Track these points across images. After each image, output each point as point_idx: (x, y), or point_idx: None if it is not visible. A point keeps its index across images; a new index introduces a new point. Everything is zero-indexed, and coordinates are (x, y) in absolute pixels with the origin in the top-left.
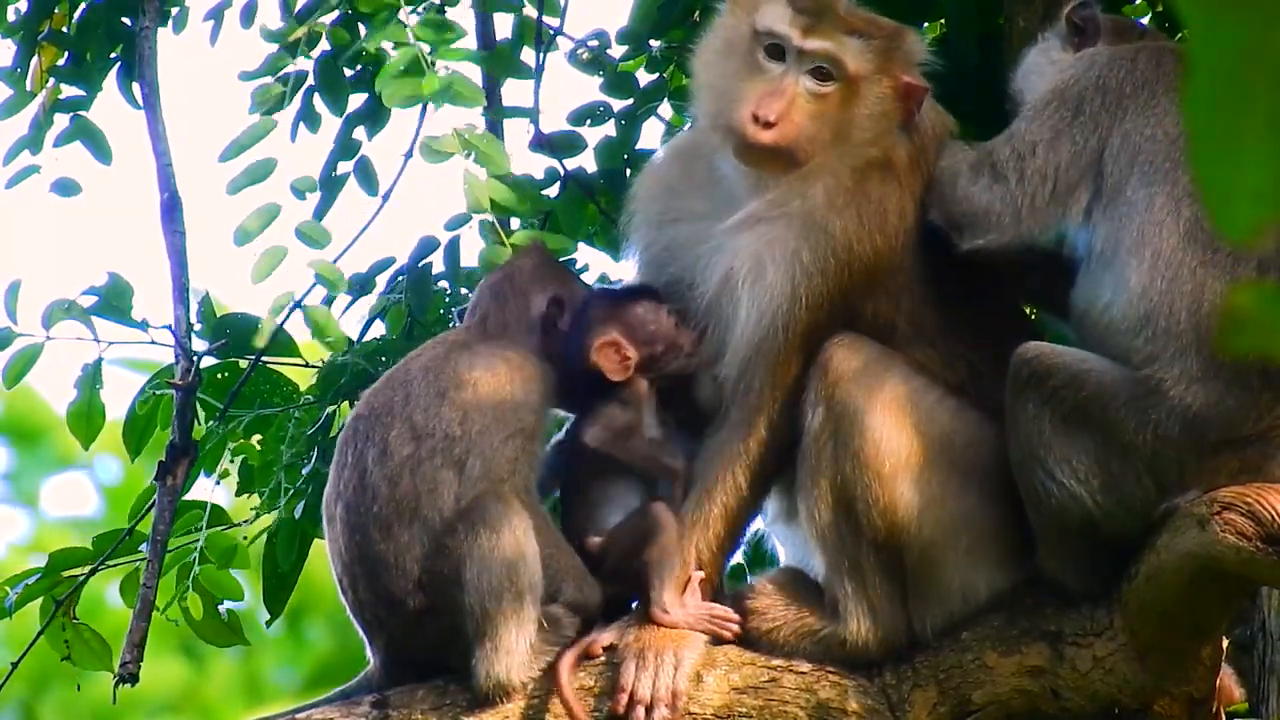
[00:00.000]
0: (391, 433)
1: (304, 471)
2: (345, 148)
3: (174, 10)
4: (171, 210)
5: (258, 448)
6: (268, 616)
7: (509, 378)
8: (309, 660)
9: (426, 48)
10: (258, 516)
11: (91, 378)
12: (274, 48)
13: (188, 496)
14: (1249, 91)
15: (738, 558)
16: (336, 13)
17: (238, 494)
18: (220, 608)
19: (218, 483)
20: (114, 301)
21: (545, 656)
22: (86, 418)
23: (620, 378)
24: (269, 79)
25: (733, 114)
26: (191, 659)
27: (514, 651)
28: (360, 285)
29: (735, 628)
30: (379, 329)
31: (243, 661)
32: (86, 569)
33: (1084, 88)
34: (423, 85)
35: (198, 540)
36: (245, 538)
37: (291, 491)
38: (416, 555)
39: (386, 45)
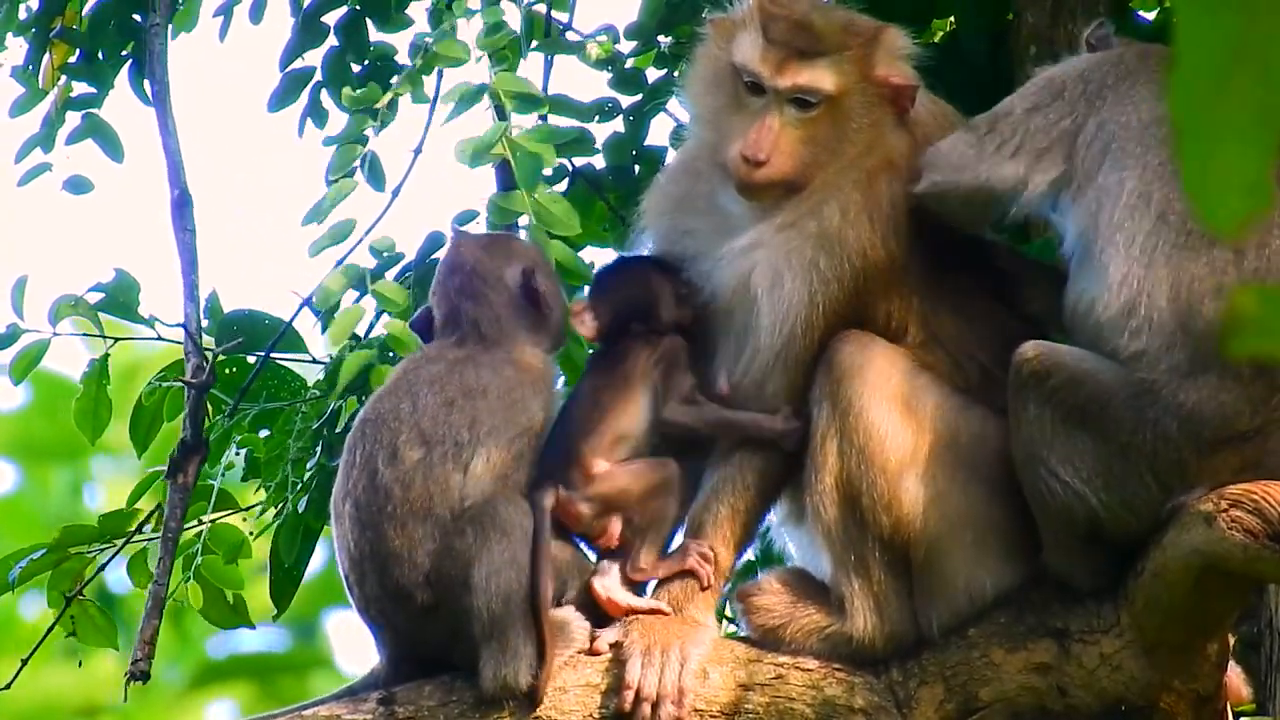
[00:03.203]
0: (400, 438)
1: (310, 466)
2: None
3: (181, 7)
4: (182, 208)
5: (263, 441)
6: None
7: (517, 380)
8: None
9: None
10: (264, 511)
11: (98, 374)
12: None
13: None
14: (1235, 85)
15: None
16: (345, 9)
17: (243, 479)
18: (195, 566)
19: (223, 474)
20: (120, 298)
21: (554, 659)
22: (93, 414)
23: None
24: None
25: (725, 153)
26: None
27: (522, 655)
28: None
29: (709, 569)
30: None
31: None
32: (91, 548)
33: (1066, 76)
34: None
35: (203, 531)
36: (252, 532)
37: (299, 485)
38: (429, 549)
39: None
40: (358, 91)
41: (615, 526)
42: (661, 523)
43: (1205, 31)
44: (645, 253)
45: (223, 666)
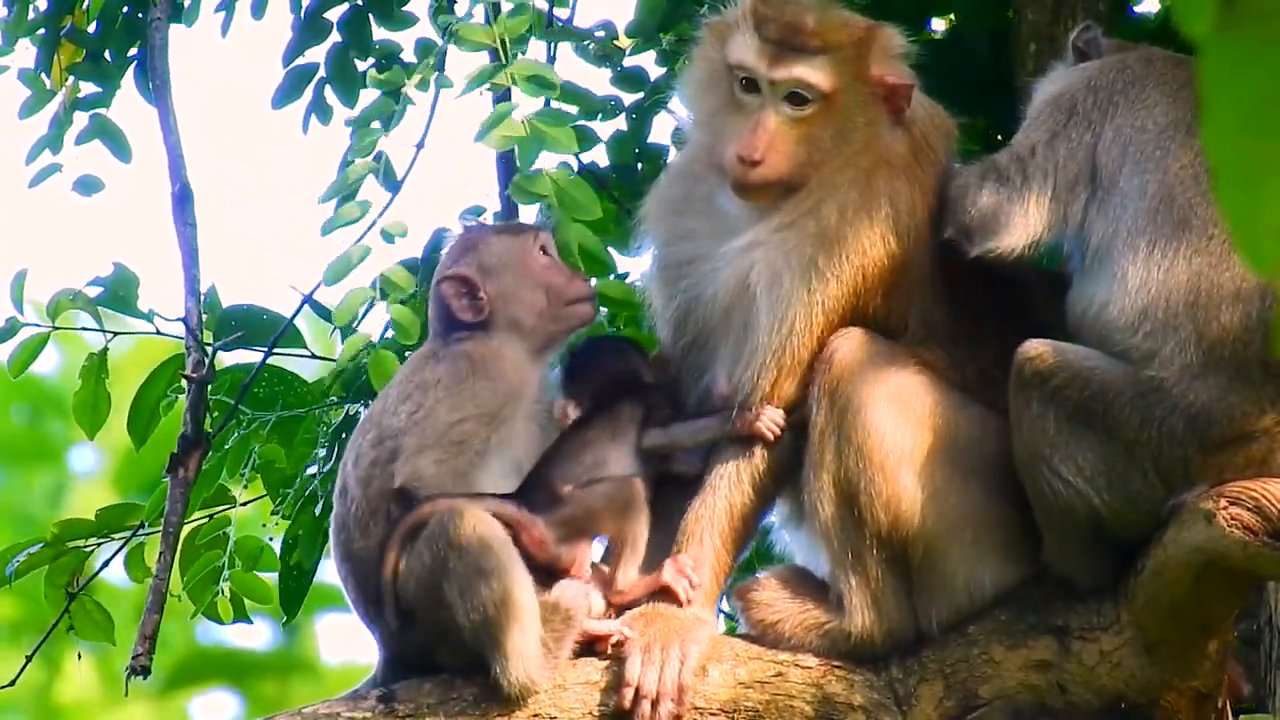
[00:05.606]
0: (366, 437)
1: (326, 469)
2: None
3: (186, 3)
4: (182, 202)
5: (285, 455)
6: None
7: (469, 370)
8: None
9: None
10: (292, 530)
11: (97, 368)
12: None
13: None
14: (1271, 129)
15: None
16: (347, 5)
17: (254, 473)
18: (223, 583)
19: (245, 487)
20: (119, 292)
21: (561, 646)
22: (92, 408)
23: None
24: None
25: (722, 154)
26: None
27: (525, 653)
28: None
29: (686, 583)
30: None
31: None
32: (88, 542)
33: (1075, 90)
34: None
35: (226, 544)
36: (271, 538)
37: (321, 498)
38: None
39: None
40: (383, 75)
41: (583, 555)
42: (634, 542)
43: (1233, 80)
44: (611, 334)
45: (198, 662)
